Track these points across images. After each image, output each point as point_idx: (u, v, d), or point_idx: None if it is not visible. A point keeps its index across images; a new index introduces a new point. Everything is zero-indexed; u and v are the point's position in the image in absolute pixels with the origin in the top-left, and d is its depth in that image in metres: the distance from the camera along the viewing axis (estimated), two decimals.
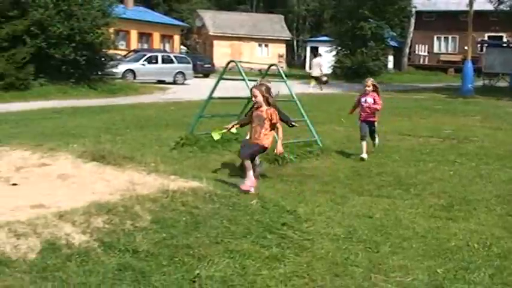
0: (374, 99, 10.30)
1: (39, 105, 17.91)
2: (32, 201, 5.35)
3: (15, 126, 13.17)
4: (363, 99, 10.45)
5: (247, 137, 7.49)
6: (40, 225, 4.48)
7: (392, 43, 50.12)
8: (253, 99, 7.17)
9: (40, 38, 22.16)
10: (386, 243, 5.46)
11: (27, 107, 17.34)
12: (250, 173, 6.71)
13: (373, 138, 10.52)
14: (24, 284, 3.82)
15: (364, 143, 10.12)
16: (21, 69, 20.85)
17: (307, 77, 44.70)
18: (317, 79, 29.81)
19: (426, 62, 53.35)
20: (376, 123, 10.52)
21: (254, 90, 7.11)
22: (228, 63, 11.41)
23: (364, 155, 9.97)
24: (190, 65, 35.16)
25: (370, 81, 10.53)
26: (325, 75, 31.61)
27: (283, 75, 11.28)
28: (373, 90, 10.38)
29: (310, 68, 29.68)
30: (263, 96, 6.93)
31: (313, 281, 4.48)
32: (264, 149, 7.07)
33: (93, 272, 4.09)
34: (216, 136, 7.85)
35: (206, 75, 41.31)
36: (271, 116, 6.90)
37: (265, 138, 6.94)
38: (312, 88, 28.88)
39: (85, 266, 4.15)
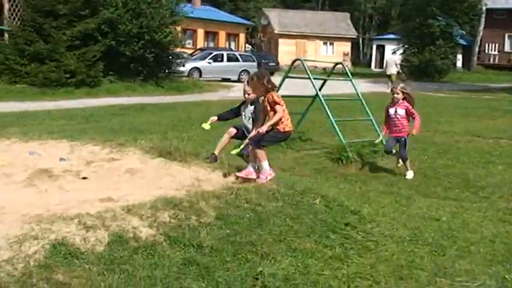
0: (406, 110, 8.75)
1: (108, 102, 18.42)
2: (101, 195, 5.52)
3: (85, 122, 13.60)
4: (391, 111, 8.86)
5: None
6: (108, 218, 4.61)
7: (462, 41, 48.67)
8: (246, 96, 7.06)
9: (110, 36, 22.76)
10: (452, 247, 5.33)
11: (97, 104, 17.86)
12: (265, 164, 6.33)
13: (400, 156, 8.89)
14: (92, 276, 3.93)
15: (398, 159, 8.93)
16: (92, 67, 21.47)
17: (373, 76, 44.23)
18: (390, 77, 28.81)
19: (496, 61, 51.50)
20: (407, 138, 8.88)
21: (245, 87, 6.99)
22: (294, 61, 11.42)
23: (409, 174, 8.59)
24: (255, 63, 35.28)
25: (399, 87, 8.93)
26: (403, 72, 30.49)
27: (349, 74, 11.17)
28: (403, 98, 8.78)
29: (385, 67, 28.70)
30: (258, 88, 6.35)
31: (377, 283, 4.42)
32: (281, 133, 6.35)
33: (159, 266, 4.17)
34: (207, 126, 7.62)
35: (271, 74, 41.25)
36: (272, 99, 6.24)
37: (280, 123, 6.27)
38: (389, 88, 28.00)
39: (151, 260, 4.24)
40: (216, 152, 7.27)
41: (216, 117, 7.37)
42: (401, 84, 9.11)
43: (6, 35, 21.58)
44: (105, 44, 22.24)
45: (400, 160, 8.88)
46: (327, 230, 5.32)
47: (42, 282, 3.76)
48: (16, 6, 21.59)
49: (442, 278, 4.59)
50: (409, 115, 8.71)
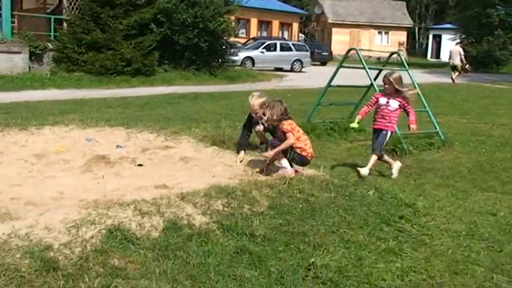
0: (400, 105, 7.52)
1: (162, 91, 18.66)
2: (155, 182, 5.62)
3: (140, 109, 13.81)
4: (382, 100, 7.57)
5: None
6: (163, 205, 4.68)
7: None
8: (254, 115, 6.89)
9: (165, 26, 23.02)
10: (510, 243, 5.18)
11: (152, 92, 18.11)
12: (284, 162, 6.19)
13: (373, 148, 7.65)
14: (147, 261, 4.00)
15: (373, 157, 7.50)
16: (147, 56, 21.77)
17: (429, 66, 43.33)
18: (455, 68, 28.08)
19: None
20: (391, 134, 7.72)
21: (255, 105, 6.83)
22: (349, 50, 11.27)
23: (364, 171, 7.10)
24: (308, 53, 35.10)
25: (393, 76, 7.47)
26: (468, 63, 29.63)
27: (406, 64, 10.94)
28: (396, 90, 7.42)
29: (450, 58, 27.96)
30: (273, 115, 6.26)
31: (431, 278, 4.34)
32: (298, 155, 6.20)
33: (212, 253, 4.21)
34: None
35: (323, 63, 41.09)
36: (282, 127, 6.19)
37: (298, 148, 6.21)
38: (456, 78, 27.35)
39: (204, 247, 4.28)
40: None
41: (243, 153, 6.91)
42: (396, 73, 7.62)
43: (64, 25, 22.10)
44: (161, 33, 22.51)
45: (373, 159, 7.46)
46: (380, 222, 5.26)
47: (98, 267, 3.84)
48: None
49: (500, 274, 4.46)
50: (401, 109, 7.59)
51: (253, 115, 6.98)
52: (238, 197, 5.13)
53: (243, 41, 38.74)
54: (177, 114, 12.49)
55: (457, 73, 27.47)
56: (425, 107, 10.28)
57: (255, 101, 6.87)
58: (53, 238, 4.01)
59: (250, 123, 7.10)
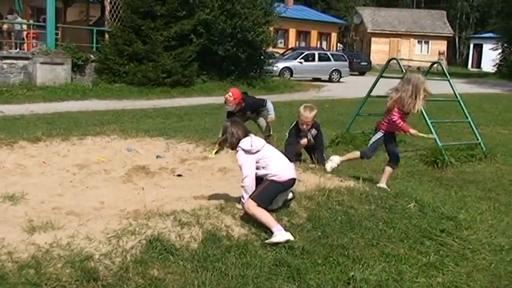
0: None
1: (201, 101, 18.80)
2: (194, 192, 5.63)
3: (180, 120, 13.95)
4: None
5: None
6: (202, 216, 4.68)
7: None
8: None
9: (204, 37, 23.20)
10: None
11: (191, 103, 18.27)
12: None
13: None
14: (186, 272, 4.01)
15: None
16: (187, 67, 21.97)
17: (470, 76, 42.61)
18: None
19: None
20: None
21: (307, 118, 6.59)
22: (389, 60, 11.17)
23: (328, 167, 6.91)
24: (347, 63, 34.93)
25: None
26: None
27: (447, 73, 10.77)
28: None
29: None
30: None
31: None
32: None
33: (251, 265, 4.18)
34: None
35: (362, 73, 40.83)
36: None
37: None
38: None
39: (243, 259, 4.26)
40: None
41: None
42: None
43: (106, 36, 22.51)
44: (200, 44, 22.70)
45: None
46: (421, 236, 5.15)
47: (138, 277, 3.86)
48: (116, 8, 22.46)
49: None
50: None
51: (303, 127, 6.95)
52: (276, 208, 5.10)
53: (281, 51, 38.83)
54: (216, 124, 12.52)
55: None
56: (467, 117, 10.11)
57: (310, 114, 6.90)
58: (94, 248, 4.05)
59: (297, 133, 7.12)
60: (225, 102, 8.06)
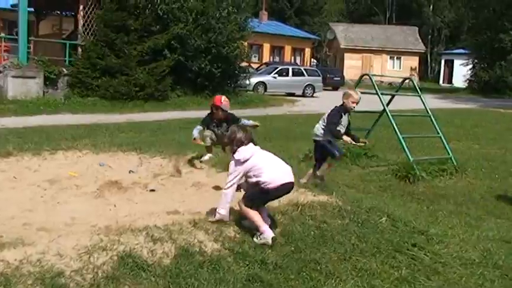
0: None
1: (175, 116, 18.73)
2: (167, 208, 5.61)
3: (153, 134, 13.85)
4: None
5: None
6: (175, 231, 4.67)
7: None
8: None
9: (179, 51, 23.20)
10: None
11: (165, 117, 18.19)
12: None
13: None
14: None
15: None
16: (161, 81, 21.91)
17: (441, 91, 43.25)
18: None
19: None
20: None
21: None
22: (362, 76, 11.29)
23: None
24: (320, 78, 35.18)
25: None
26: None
27: (418, 89, 10.92)
28: None
29: None
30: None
31: None
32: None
33: (224, 281, 4.18)
34: None
35: (335, 88, 41.15)
36: None
37: None
38: None
39: (216, 275, 4.25)
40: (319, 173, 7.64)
41: None
42: None
43: (79, 50, 22.37)
44: (174, 59, 22.69)
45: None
46: (393, 250, 5.20)
47: None
48: (90, 21, 22.36)
49: None
50: None
51: (354, 106, 7.56)
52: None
53: (255, 66, 38.95)
54: (190, 139, 12.48)
55: None
56: (438, 132, 10.25)
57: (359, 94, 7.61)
58: (65, 264, 4.01)
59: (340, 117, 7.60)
60: (220, 103, 7.99)
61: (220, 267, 4.36)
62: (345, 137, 7.47)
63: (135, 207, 5.72)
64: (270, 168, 5.06)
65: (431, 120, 10.38)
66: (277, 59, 47.99)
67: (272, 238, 4.82)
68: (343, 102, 7.64)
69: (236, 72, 26.51)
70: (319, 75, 35.31)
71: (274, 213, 5.39)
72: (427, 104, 10.57)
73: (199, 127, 7.88)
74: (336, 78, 42.73)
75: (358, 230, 5.45)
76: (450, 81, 57.25)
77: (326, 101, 26.90)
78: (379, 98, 10.01)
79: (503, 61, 40.66)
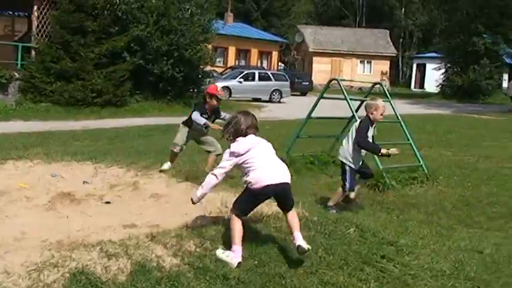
0: None
1: (134, 122, 18.62)
2: (124, 221, 5.56)
3: (110, 142, 13.75)
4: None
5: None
6: (131, 246, 4.62)
7: (508, 60, 48.03)
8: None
9: (139, 55, 23.07)
10: (498, 282, 5.20)
11: (123, 124, 18.06)
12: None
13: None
14: None
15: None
16: (119, 86, 21.75)
17: (413, 96, 43.87)
18: None
19: None
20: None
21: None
22: (330, 81, 11.34)
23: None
24: (288, 83, 35.41)
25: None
26: None
27: (388, 95, 11.04)
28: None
29: (508, 89, 30.25)
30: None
31: None
32: None
33: None
34: None
35: (303, 94, 41.46)
36: None
37: None
38: None
39: None
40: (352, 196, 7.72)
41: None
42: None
43: (33, 52, 22.07)
44: (134, 62, 22.54)
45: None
46: (361, 262, 5.23)
47: None
48: (44, 22, 22.08)
49: None
50: None
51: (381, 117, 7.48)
52: (211, 236, 5.10)
53: (220, 70, 38.97)
54: (149, 147, 12.46)
55: None
56: (408, 139, 10.37)
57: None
58: (12, 283, 3.95)
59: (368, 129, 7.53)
60: (216, 92, 8.13)
61: (179, 284, 4.33)
62: (383, 150, 7.53)
63: (89, 221, 5.65)
64: (260, 166, 5.02)
65: (402, 126, 10.51)
66: (243, 62, 48.11)
67: (238, 263, 4.73)
68: (371, 114, 7.58)
69: (200, 76, 26.51)
70: (286, 80, 35.53)
71: None
72: (397, 109, 10.70)
73: (197, 112, 7.98)
74: (304, 83, 43.06)
75: (325, 242, 5.47)
76: (422, 86, 58.16)
77: (294, 107, 27.12)
78: (348, 103, 10.11)
79: (476, 65, 41.46)
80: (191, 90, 26.08)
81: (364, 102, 7.94)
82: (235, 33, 46.44)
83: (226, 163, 5.06)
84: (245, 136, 5.15)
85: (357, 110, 10.38)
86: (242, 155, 5.03)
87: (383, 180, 9.09)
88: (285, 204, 5.18)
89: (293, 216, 5.13)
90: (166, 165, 8.04)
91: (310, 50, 55.37)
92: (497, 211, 8.12)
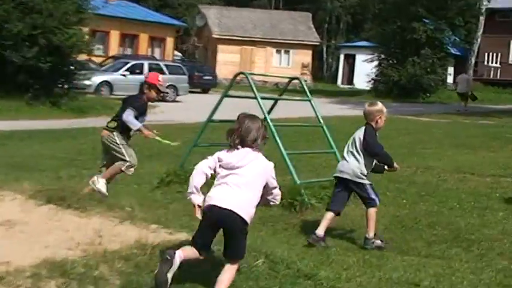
0: None
1: None
2: None
3: None
4: None
5: None
6: None
7: (454, 51, 49.89)
8: None
9: None
10: None
11: None
12: None
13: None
14: None
15: None
16: None
17: (340, 94, 44.80)
18: (463, 96, 33.60)
19: (498, 76, 52.83)
20: None
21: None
22: (236, 75, 11.36)
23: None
24: (186, 77, 35.41)
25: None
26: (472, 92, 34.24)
27: (308, 92, 11.16)
28: None
29: (454, 83, 32.71)
30: None
31: None
32: None
33: None
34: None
35: (205, 91, 41.57)
36: None
37: None
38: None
39: None
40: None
41: None
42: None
43: None
44: None
45: None
46: None
47: None
48: None
49: None
50: None
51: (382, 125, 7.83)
52: (79, 275, 5.00)
53: (99, 60, 38.46)
54: (1, 160, 12.10)
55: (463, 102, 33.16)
56: (332, 147, 10.51)
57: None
58: None
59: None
60: (157, 81, 8.65)
61: None
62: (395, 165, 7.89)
63: None
64: (222, 183, 5.25)
65: (324, 131, 10.66)
66: (129, 51, 47.69)
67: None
68: (376, 123, 7.84)
69: (72, 68, 26.07)
70: (184, 74, 35.54)
71: (113, 259, 5.29)
72: (318, 111, 10.85)
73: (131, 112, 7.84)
74: (206, 78, 43.15)
75: None
76: (351, 81, 59.57)
77: (193, 107, 27.08)
78: (259, 103, 10.14)
79: (416, 56, 42.44)
80: (60, 86, 25.57)
81: (365, 109, 8.08)
82: (119, 14, 46.06)
83: (211, 158, 5.37)
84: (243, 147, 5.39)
85: (269, 111, 10.44)
86: (221, 164, 5.30)
87: (301, 198, 9.18)
88: (226, 243, 5.33)
89: (224, 273, 5.21)
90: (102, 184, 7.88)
91: (215, 36, 55.59)
92: (438, 234, 8.37)
